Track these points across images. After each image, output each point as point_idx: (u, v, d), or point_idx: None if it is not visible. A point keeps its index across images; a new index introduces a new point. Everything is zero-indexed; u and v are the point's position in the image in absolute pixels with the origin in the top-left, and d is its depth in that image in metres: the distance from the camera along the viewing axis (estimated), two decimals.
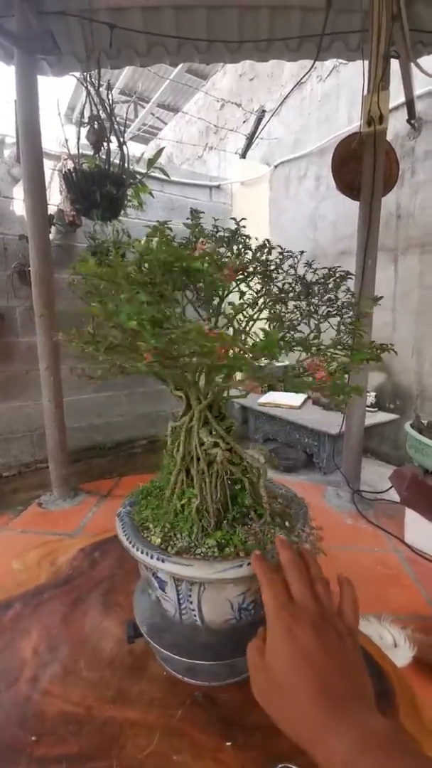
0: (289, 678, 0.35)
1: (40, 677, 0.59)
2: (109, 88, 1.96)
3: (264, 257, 0.57)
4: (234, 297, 0.59)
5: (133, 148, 2.05)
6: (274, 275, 0.58)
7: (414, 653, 1.02)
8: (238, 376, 0.52)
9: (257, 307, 0.59)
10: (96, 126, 1.89)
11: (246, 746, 0.49)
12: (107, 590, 0.76)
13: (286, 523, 0.56)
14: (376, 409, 2.56)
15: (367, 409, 2.25)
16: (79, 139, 1.93)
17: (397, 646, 1.05)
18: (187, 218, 0.59)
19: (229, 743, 0.50)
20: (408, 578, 1.42)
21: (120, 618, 0.69)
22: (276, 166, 3.23)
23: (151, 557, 0.50)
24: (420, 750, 0.29)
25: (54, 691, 0.57)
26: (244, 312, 0.56)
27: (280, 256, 0.58)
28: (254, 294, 0.59)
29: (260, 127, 3.30)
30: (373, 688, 0.58)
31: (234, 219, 0.59)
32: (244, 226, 0.58)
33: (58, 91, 2.16)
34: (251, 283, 0.58)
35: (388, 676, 0.61)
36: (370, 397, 2.54)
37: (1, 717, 0.53)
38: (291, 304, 0.58)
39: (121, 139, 1.93)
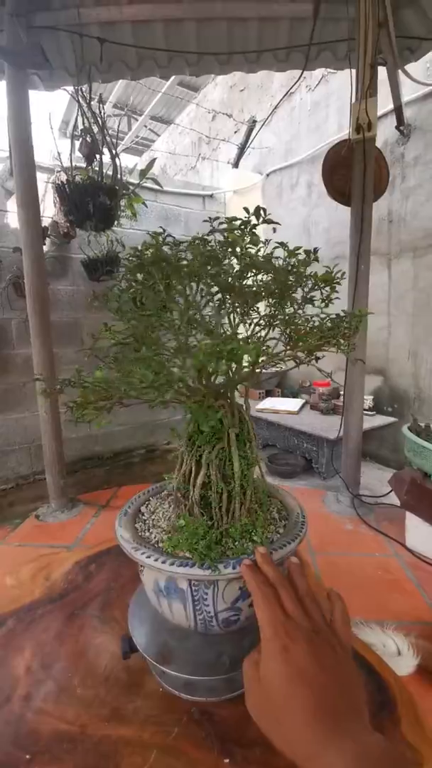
0: (286, 695, 0.34)
1: (33, 695, 0.57)
2: (101, 101, 1.98)
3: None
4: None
5: (127, 160, 2.07)
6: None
7: (418, 661, 1.00)
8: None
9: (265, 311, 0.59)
10: (88, 139, 1.91)
11: (245, 763, 0.48)
12: (103, 604, 0.75)
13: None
14: (374, 412, 2.56)
15: (365, 413, 2.24)
16: (72, 152, 1.95)
17: (400, 654, 1.03)
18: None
19: (227, 760, 0.48)
20: (410, 583, 1.40)
21: (116, 633, 0.68)
22: (268, 175, 3.26)
23: (173, 564, 0.49)
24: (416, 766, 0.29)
25: (48, 710, 0.55)
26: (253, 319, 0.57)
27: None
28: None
29: (251, 137, 3.34)
30: (374, 699, 0.57)
31: (259, 209, 0.58)
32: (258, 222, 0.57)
33: (54, 105, 2.19)
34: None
35: (389, 686, 0.59)
36: (368, 401, 2.54)
37: None
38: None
39: (114, 151, 1.95)
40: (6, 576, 0.86)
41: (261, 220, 0.56)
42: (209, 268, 0.52)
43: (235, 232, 0.54)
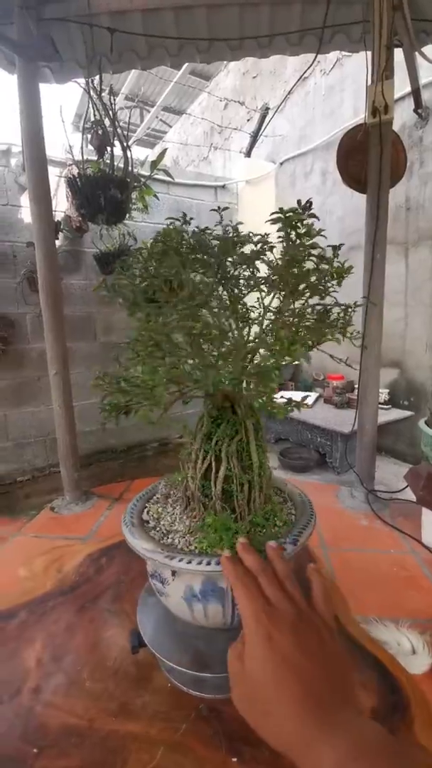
0: (272, 686, 0.33)
1: (43, 688, 0.58)
2: (112, 93, 1.96)
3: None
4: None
5: (139, 152, 2.06)
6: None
7: None
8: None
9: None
10: (99, 131, 1.89)
11: (253, 762, 0.47)
12: (113, 597, 0.75)
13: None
14: (389, 406, 2.51)
15: (380, 406, 2.20)
16: (83, 145, 1.94)
17: (415, 653, 1.01)
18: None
19: (235, 759, 0.48)
20: (426, 581, 1.37)
21: (125, 626, 0.68)
22: (281, 163, 3.20)
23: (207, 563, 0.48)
24: (415, 753, 0.28)
25: (57, 703, 0.56)
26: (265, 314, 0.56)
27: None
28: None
29: (264, 125, 3.27)
30: (387, 700, 0.55)
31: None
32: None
33: (67, 99, 2.18)
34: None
35: (402, 686, 0.58)
36: (383, 395, 2.49)
37: (2, 728, 0.53)
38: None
39: (125, 144, 1.94)
40: (20, 567, 0.88)
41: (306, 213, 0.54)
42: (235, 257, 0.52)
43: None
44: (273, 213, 0.55)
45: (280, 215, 0.53)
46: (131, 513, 0.59)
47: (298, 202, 0.55)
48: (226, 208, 0.55)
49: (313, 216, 0.55)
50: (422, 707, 0.53)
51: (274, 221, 0.53)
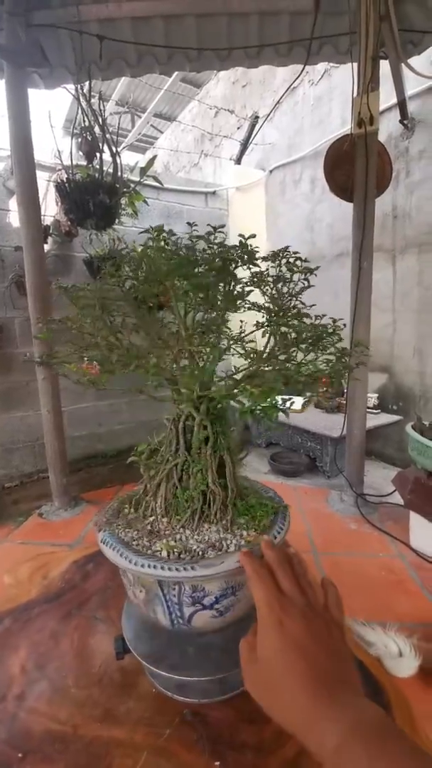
0: (281, 667, 0.35)
1: (27, 695, 0.57)
2: (102, 99, 1.97)
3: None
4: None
5: (130, 157, 2.07)
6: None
7: (419, 663, 0.99)
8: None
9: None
10: (89, 137, 1.90)
11: (236, 766, 0.48)
12: (99, 604, 0.75)
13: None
14: (378, 410, 2.53)
15: (369, 410, 2.22)
16: (72, 150, 1.95)
17: (402, 656, 1.02)
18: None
19: (218, 762, 0.48)
20: (413, 584, 1.38)
21: (111, 633, 0.68)
22: (271, 171, 3.24)
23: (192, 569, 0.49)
24: (410, 737, 0.29)
25: (41, 709, 0.55)
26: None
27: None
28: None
29: (254, 133, 3.31)
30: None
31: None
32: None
33: (57, 104, 2.18)
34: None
35: (384, 689, 0.59)
36: (373, 399, 2.51)
37: None
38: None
39: (114, 149, 1.95)
40: (4, 575, 0.87)
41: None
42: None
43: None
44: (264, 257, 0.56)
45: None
46: (109, 542, 0.59)
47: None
48: (222, 226, 0.56)
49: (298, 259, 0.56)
50: (402, 709, 0.54)
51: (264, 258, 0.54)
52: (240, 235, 0.53)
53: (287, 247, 0.53)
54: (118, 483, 2.41)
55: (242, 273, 0.56)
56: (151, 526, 0.53)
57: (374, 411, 2.48)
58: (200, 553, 0.51)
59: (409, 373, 2.44)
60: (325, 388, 2.66)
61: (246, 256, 0.52)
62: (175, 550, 0.49)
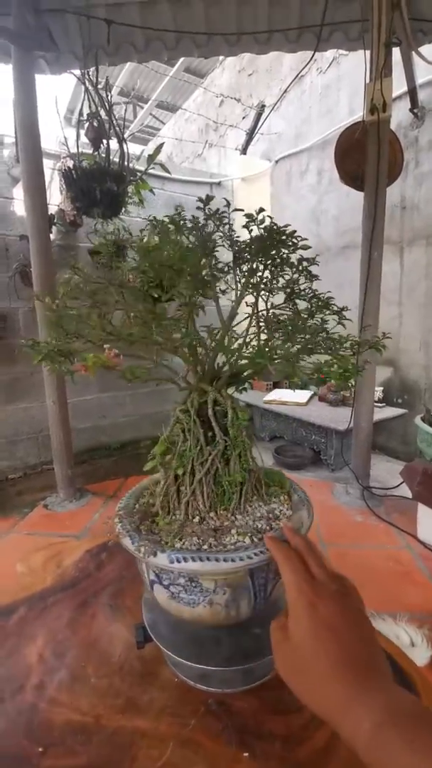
0: (314, 650, 0.34)
1: (46, 684, 0.56)
2: (108, 85, 1.94)
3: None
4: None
5: (132, 149, 2.03)
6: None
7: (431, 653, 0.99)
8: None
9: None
10: (95, 123, 1.87)
11: (264, 756, 0.47)
12: (115, 593, 0.74)
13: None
14: (383, 404, 2.52)
15: (374, 404, 2.21)
16: (78, 137, 1.92)
17: (414, 646, 1.02)
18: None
19: (246, 753, 0.47)
20: (422, 575, 1.38)
21: (128, 622, 0.67)
22: (277, 162, 3.20)
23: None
24: None
25: (61, 699, 0.54)
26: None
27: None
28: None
29: (260, 123, 3.27)
30: None
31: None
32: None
33: (58, 93, 2.14)
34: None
35: (411, 678, 0.58)
36: (378, 393, 2.50)
37: (6, 726, 0.51)
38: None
39: (121, 136, 1.92)
40: (17, 564, 0.86)
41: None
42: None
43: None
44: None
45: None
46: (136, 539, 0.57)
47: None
48: (227, 206, 0.54)
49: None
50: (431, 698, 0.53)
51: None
52: (248, 215, 0.52)
53: (293, 231, 0.51)
54: (123, 475, 2.40)
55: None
56: (204, 524, 0.50)
57: (379, 404, 2.47)
58: (268, 528, 0.50)
59: (414, 367, 2.42)
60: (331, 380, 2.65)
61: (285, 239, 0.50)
62: (249, 534, 0.48)
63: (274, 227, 0.52)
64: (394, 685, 0.32)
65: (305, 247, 0.51)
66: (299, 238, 0.52)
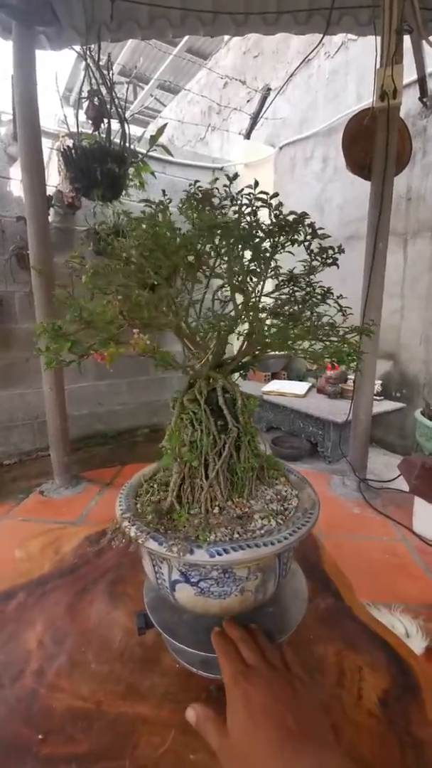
0: (251, 734, 0.36)
1: (46, 670, 0.55)
2: (110, 62, 1.88)
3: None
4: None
5: (133, 130, 1.97)
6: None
7: (427, 643, 1.00)
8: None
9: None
10: (96, 102, 1.81)
11: None
12: (114, 579, 0.73)
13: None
14: (382, 397, 2.53)
15: (373, 397, 2.21)
16: (78, 116, 1.86)
17: (409, 637, 1.03)
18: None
19: None
20: (417, 568, 1.39)
21: (128, 608, 0.66)
22: (281, 148, 3.14)
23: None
24: None
25: (61, 685, 0.53)
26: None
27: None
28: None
29: (265, 107, 3.20)
30: (396, 682, 0.55)
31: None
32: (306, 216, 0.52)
33: (56, 72, 2.07)
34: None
35: (412, 669, 0.58)
36: (377, 386, 2.50)
37: (5, 713, 0.50)
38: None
39: (123, 116, 1.86)
40: (15, 549, 0.85)
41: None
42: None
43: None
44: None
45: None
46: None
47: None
48: (237, 175, 0.52)
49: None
50: None
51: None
52: (262, 192, 0.49)
53: (304, 215, 0.49)
54: (119, 463, 2.40)
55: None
56: (225, 513, 0.49)
57: (378, 398, 2.47)
58: (282, 508, 0.50)
59: (414, 361, 2.42)
60: (329, 373, 2.65)
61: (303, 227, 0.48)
62: (271, 516, 0.48)
63: (296, 216, 0.49)
64: (324, 750, 0.35)
65: (325, 236, 0.49)
66: (318, 228, 0.50)
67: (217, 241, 0.49)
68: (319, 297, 0.54)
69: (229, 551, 0.43)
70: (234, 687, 0.40)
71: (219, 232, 0.48)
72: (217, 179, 0.53)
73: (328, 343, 0.52)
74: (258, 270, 0.51)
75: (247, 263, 0.51)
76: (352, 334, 0.53)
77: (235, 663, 0.43)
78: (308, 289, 0.54)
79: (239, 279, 0.50)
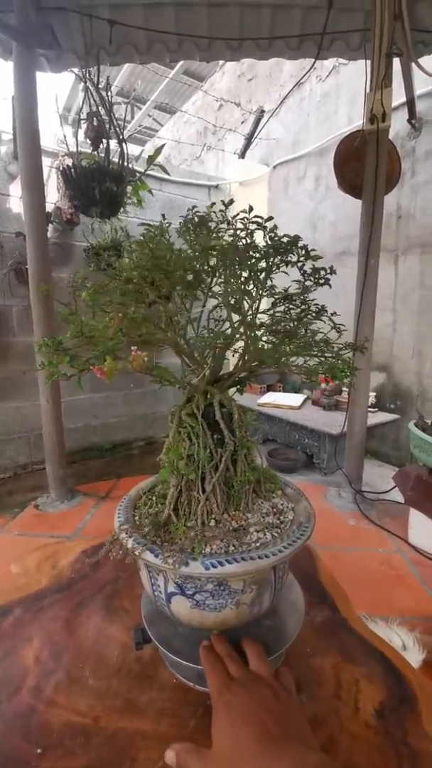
0: (234, 741, 0.37)
1: (43, 686, 0.55)
2: (109, 85, 1.94)
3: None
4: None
5: (130, 149, 2.03)
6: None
7: (424, 656, 1.00)
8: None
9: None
10: (95, 123, 1.87)
11: None
12: (111, 594, 0.73)
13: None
14: (376, 409, 2.55)
15: (368, 409, 2.24)
16: (77, 135, 1.91)
17: (406, 649, 1.03)
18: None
19: None
20: (413, 579, 1.40)
21: (125, 623, 0.66)
22: (275, 167, 3.22)
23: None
24: None
25: (59, 701, 0.53)
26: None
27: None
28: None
29: (259, 128, 3.29)
30: (393, 694, 0.55)
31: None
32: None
33: (56, 93, 2.13)
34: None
35: (408, 680, 0.58)
36: (371, 398, 2.53)
37: (3, 728, 0.50)
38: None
39: (121, 136, 1.92)
40: (11, 564, 0.84)
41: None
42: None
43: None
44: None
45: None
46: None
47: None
48: (232, 201, 0.54)
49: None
50: (430, 701, 0.54)
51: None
52: (257, 216, 0.52)
53: (297, 238, 0.51)
54: (114, 476, 2.39)
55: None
56: (221, 526, 0.50)
57: (372, 410, 2.50)
58: (278, 521, 0.51)
59: (407, 373, 2.45)
60: (324, 385, 2.67)
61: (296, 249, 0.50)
62: (266, 530, 0.48)
63: (290, 239, 0.52)
64: (305, 750, 0.36)
65: (317, 258, 0.52)
66: (310, 249, 0.52)
67: (213, 263, 0.51)
68: (313, 314, 0.55)
69: (224, 563, 0.43)
70: (218, 698, 0.41)
71: (215, 253, 0.50)
72: (214, 203, 0.55)
73: (322, 359, 0.54)
74: (253, 290, 0.53)
75: (242, 282, 0.53)
76: (346, 350, 0.55)
77: (220, 675, 0.44)
78: (303, 306, 0.56)
79: (235, 298, 0.52)
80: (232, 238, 0.52)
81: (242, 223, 0.52)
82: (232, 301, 0.53)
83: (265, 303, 0.56)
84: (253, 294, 0.53)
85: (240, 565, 0.43)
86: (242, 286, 0.52)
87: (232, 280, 0.52)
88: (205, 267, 0.52)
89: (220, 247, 0.50)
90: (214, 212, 0.54)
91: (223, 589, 0.46)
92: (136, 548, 0.47)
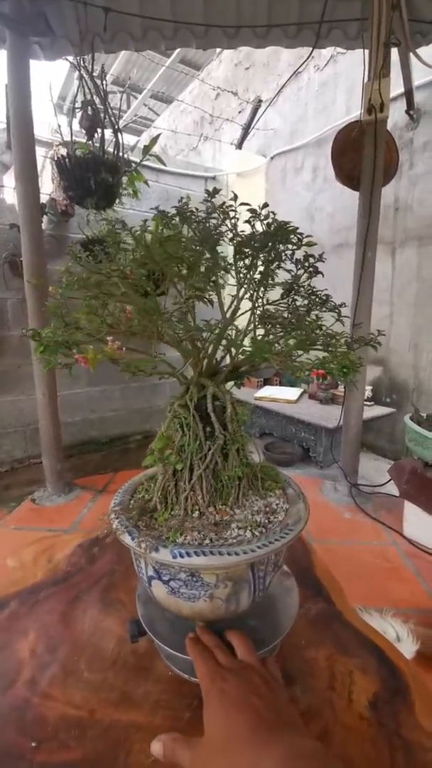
0: (226, 728, 0.37)
1: (38, 679, 0.56)
2: (103, 73, 1.90)
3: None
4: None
5: (126, 139, 2.00)
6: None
7: (418, 647, 1.01)
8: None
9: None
10: (89, 112, 1.84)
11: None
12: (107, 587, 0.73)
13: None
14: (372, 402, 2.55)
15: (363, 402, 2.24)
16: (71, 125, 1.88)
17: (400, 641, 1.04)
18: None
19: None
20: (408, 572, 1.41)
21: (121, 616, 0.66)
22: (272, 158, 3.19)
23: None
24: (338, 762, 0.33)
25: (54, 694, 0.54)
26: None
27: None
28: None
29: (256, 118, 3.25)
30: (387, 686, 0.56)
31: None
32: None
33: (50, 81, 2.09)
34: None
35: (402, 672, 0.59)
36: (367, 391, 2.53)
37: None
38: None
39: (116, 126, 1.89)
40: (7, 558, 0.84)
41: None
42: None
43: None
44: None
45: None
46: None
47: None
48: (233, 199, 0.53)
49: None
50: (423, 694, 0.54)
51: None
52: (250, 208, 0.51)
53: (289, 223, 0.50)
54: (112, 470, 2.39)
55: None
56: (203, 519, 0.50)
57: (368, 403, 2.50)
58: (266, 521, 0.50)
59: (403, 366, 2.46)
60: (321, 379, 2.67)
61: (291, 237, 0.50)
62: (249, 528, 0.48)
63: (281, 223, 0.51)
64: (298, 736, 0.36)
65: (310, 244, 0.51)
66: (303, 235, 0.51)
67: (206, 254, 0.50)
68: (320, 304, 0.55)
69: (191, 555, 0.44)
70: (211, 686, 0.41)
71: (206, 246, 0.49)
72: (209, 198, 0.54)
73: (324, 356, 0.53)
74: (244, 279, 0.52)
75: (221, 276, 0.52)
76: (357, 345, 0.54)
77: (209, 664, 0.44)
78: (311, 297, 0.55)
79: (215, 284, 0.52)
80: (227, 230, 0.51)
81: (230, 211, 0.51)
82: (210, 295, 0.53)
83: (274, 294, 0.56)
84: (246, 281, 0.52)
85: (207, 558, 0.43)
86: (218, 280, 0.52)
87: (213, 269, 0.51)
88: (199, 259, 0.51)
89: (210, 237, 0.49)
90: (211, 202, 0.53)
91: (196, 580, 0.46)
92: (119, 529, 0.48)
